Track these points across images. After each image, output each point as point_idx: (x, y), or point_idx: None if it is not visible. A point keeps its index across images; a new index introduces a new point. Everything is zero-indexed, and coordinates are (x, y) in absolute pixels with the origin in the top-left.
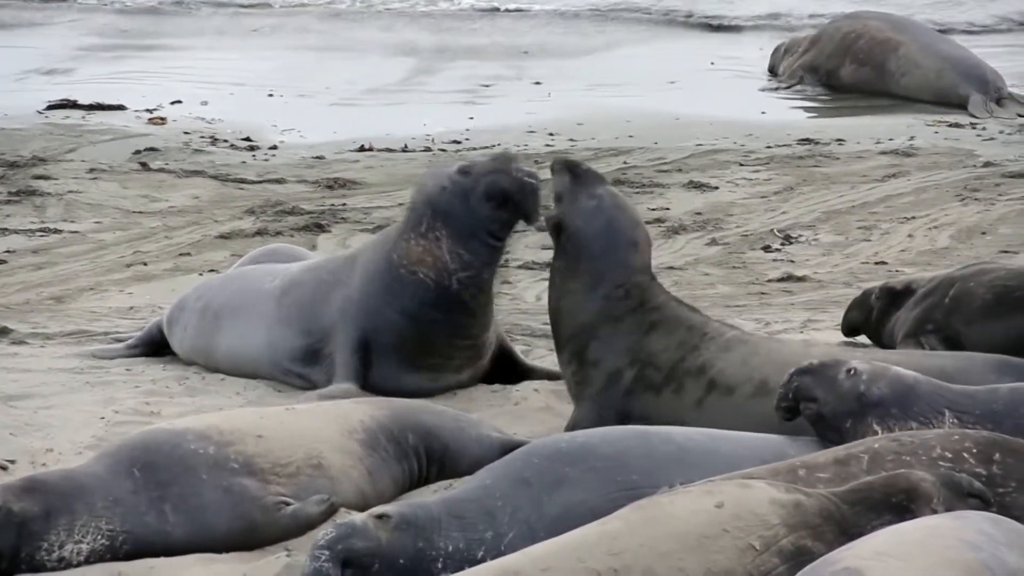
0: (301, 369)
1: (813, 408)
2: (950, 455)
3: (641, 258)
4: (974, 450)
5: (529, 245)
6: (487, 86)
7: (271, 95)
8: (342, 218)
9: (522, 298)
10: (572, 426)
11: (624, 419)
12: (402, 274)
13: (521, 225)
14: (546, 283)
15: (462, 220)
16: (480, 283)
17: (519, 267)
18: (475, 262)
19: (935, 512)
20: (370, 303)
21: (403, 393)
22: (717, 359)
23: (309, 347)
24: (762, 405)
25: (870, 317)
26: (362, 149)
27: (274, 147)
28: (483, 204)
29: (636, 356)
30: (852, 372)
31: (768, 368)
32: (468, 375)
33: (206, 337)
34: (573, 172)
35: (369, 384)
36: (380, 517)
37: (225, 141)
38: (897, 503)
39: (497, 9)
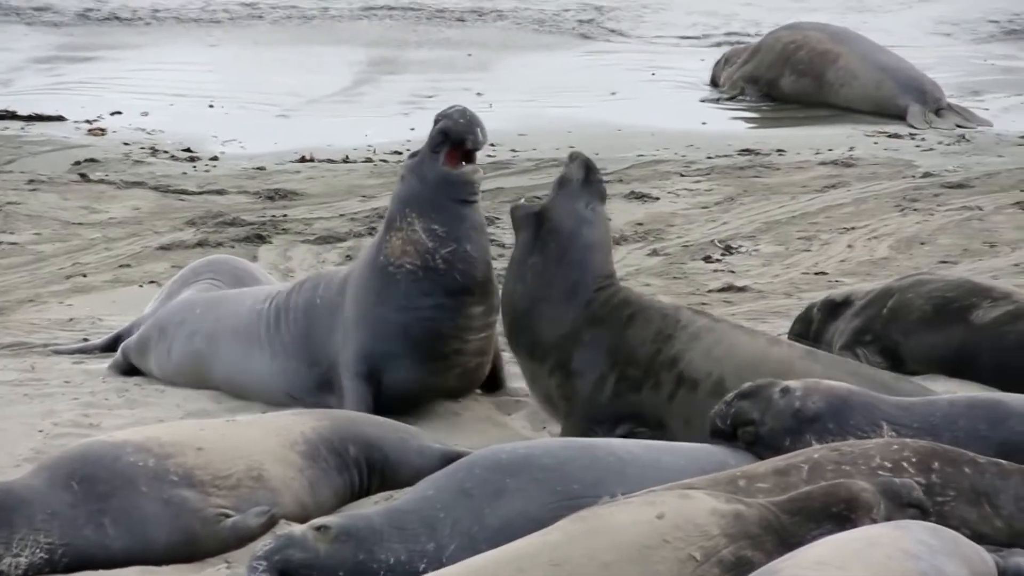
0: (315, 399)
1: (751, 431)
2: (889, 464)
3: (612, 268)
4: (913, 459)
5: None
6: (429, 97)
7: (212, 106)
8: (283, 229)
9: None
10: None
11: (617, 424)
12: (391, 272)
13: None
14: None
15: (423, 194)
16: (467, 258)
17: None
18: (452, 233)
19: (875, 522)
20: (369, 316)
21: (423, 392)
22: (687, 349)
23: (320, 376)
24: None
25: (810, 329)
26: (303, 160)
27: (215, 158)
28: (433, 161)
29: (616, 357)
30: (786, 390)
31: (727, 366)
32: (479, 371)
33: (197, 363)
34: (588, 175)
35: (381, 405)
36: (319, 528)
37: (165, 152)
38: (837, 513)
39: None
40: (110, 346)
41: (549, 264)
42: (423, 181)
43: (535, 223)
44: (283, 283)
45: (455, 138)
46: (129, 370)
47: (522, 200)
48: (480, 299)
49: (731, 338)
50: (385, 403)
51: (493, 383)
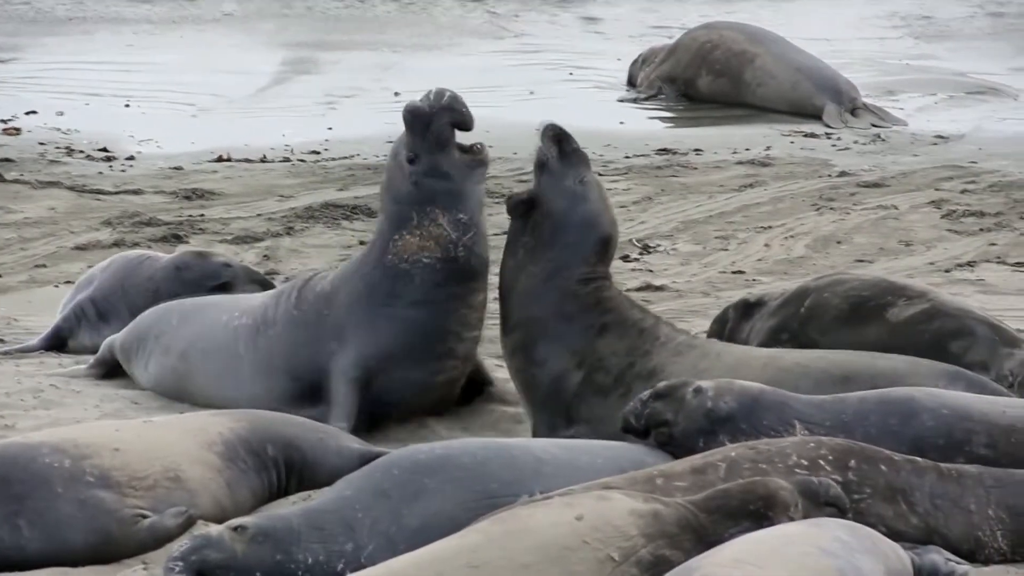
0: (305, 412)
1: (665, 432)
2: (806, 462)
3: (608, 258)
4: (830, 457)
5: None
6: (347, 96)
7: (128, 105)
8: (200, 229)
9: None
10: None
11: (571, 423)
12: (404, 269)
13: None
14: None
15: (450, 189)
16: (481, 240)
17: None
18: (474, 218)
19: (792, 519)
20: (376, 318)
21: (413, 397)
22: (668, 364)
23: (303, 389)
24: None
25: (725, 329)
26: (220, 160)
27: (131, 158)
28: (449, 155)
29: (584, 358)
30: (698, 390)
31: (716, 373)
32: (459, 382)
33: (174, 379)
34: (562, 147)
35: (369, 409)
36: (237, 529)
37: (81, 152)
38: (755, 511)
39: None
40: (52, 344)
41: (540, 243)
42: (446, 178)
43: (526, 209)
44: (257, 295)
45: (465, 126)
46: (114, 368)
47: (514, 191)
48: (483, 284)
49: (715, 349)
50: (376, 413)
51: (480, 383)
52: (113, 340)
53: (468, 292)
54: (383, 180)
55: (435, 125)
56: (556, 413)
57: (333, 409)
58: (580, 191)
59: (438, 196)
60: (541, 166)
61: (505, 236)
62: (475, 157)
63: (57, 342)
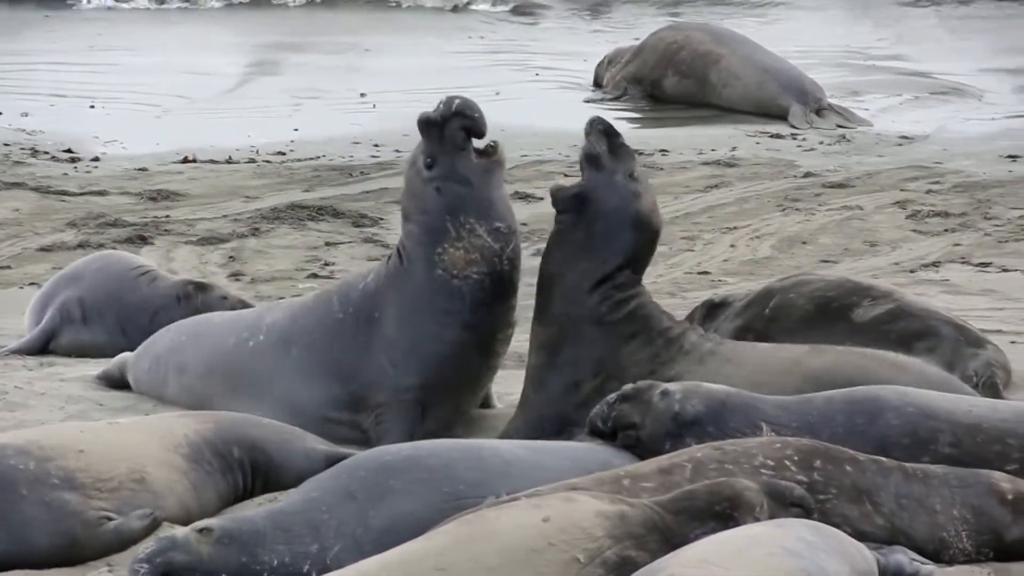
0: (348, 416)
1: (632, 435)
2: (772, 463)
3: (648, 262)
4: (795, 458)
5: (355, 256)
6: (312, 98)
7: (93, 107)
8: (166, 230)
9: None
10: (507, 434)
11: (566, 426)
12: (456, 286)
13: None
14: None
15: (473, 194)
16: (519, 252)
17: None
18: (511, 225)
19: (758, 520)
20: (433, 341)
21: (454, 414)
22: (688, 372)
23: (354, 393)
24: None
25: None
26: (186, 160)
27: (96, 159)
28: (466, 159)
29: (602, 368)
30: (665, 393)
31: (736, 378)
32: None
33: (197, 400)
34: (612, 141)
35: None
36: (202, 531)
37: (46, 153)
38: (720, 511)
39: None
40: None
41: (593, 240)
42: (466, 182)
43: (579, 204)
44: (254, 309)
45: (478, 131)
46: (122, 383)
47: (560, 181)
48: (516, 299)
49: (738, 356)
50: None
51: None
52: (124, 359)
53: (508, 310)
54: (403, 191)
55: (448, 131)
56: (550, 418)
57: (394, 427)
58: (633, 188)
59: (466, 203)
60: (592, 160)
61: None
62: (491, 158)
63: (46, 343)
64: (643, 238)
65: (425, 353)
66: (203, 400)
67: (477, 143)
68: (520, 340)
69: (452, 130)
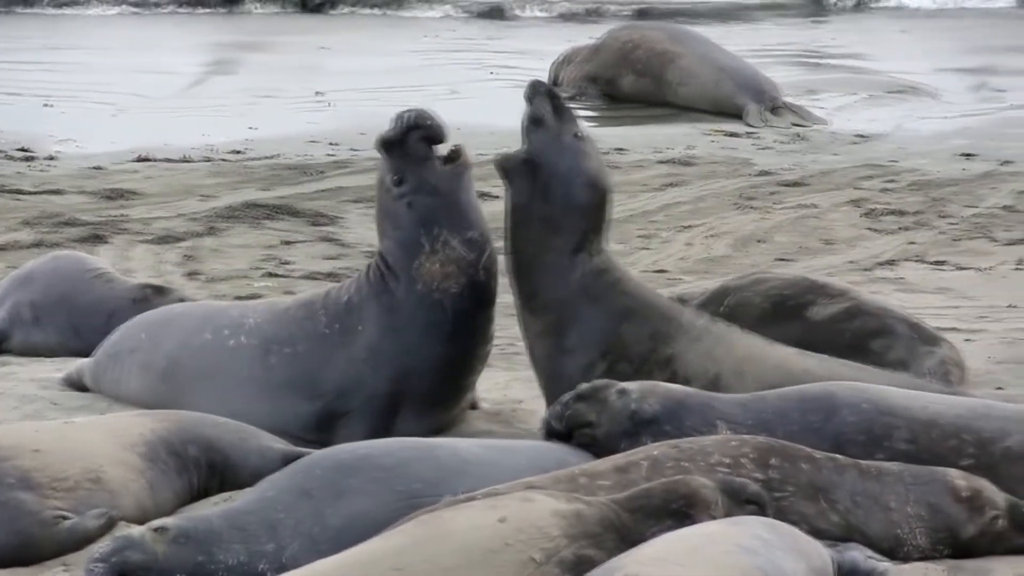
0: (315, 436)
1: (588, 433)
2: (728, 461)
3: (609, 225)
4: (752, 455)
5: (312, 255)
6: (268, 96)
7: (48, 105)
8: (122, 229)
9: None
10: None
11: None
12: (436, 299)
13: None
14: None
15: (443, 204)
16: (494, 255)
17: (302, 277)
18: (484, 233)
19: (714, 518)
20: (411, 355)
21: (433, 424)
22: (686, 350)
23: (322, 410)
24: None
25: None
26: (141, 159)
27: (51, 157)
28: (431, 169)
29: (609, 347)
30: (622, 392)
31: (724, 364)
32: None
33: (159, 398)
34: (555, 103)
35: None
36: (158, 530)
37: (1, 152)
38: (676, 509)
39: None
40: None
41: (555, 209)
42: (436, 192)
43: (528, 169)
44: (232, 305)
45: (437, 138)
46: (82, 388)
47: (501, 151)
48: (493, 305)
49: (727, 338)
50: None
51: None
52: (83, 365)
53: (488, 322)
54: (376, 211)
55: (409, 144)
56: None
57: (355, 436)
58: (581, 147)
59: (438, 215)
60: (537, 122)
61: None
62: (457, 163)
63: None
64: (597, 197)
65: (407, 364)
66: (165, 391)
67: (440, 149)
68: (501, 337)
69: (412, 143)
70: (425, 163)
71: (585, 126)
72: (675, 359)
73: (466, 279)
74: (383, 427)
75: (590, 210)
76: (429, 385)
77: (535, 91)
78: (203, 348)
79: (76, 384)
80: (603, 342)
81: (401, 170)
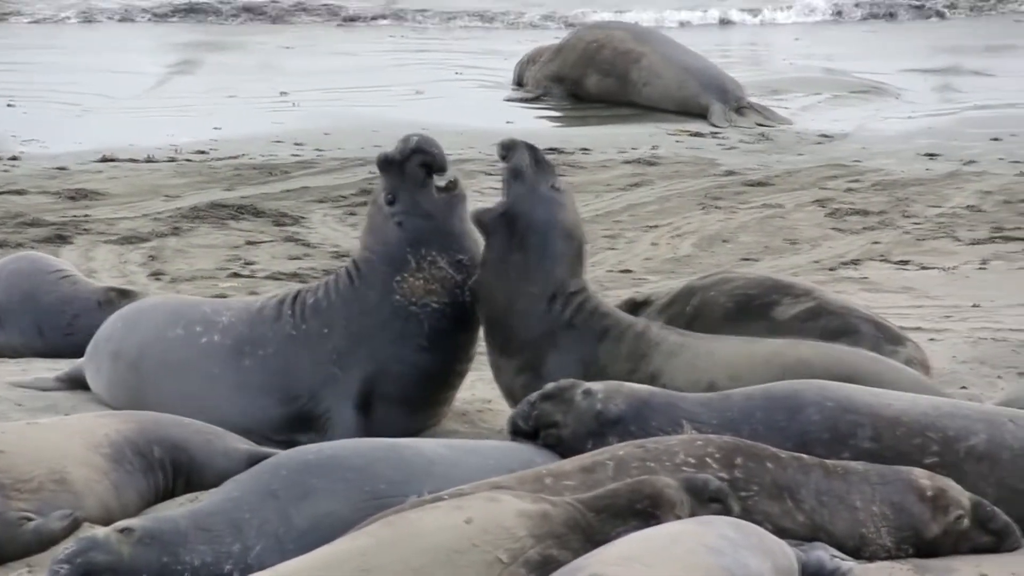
0: (286, 437)
1: (554, 433)
2: (694, 460)
3: (585, 266)
4: (717, 455)
5: (276, 256)
6: (232, 96)
7: (11, 105)
8: (85, 229)
9: None
10: None
11: None
12: (413, 312)
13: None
14: None
15: (437, 229)
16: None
17: (266, 277)
18: (475, 259)
19: (679, 517)
20: (383, 355)
21: (408, 432)
22: (666, 366)
23: (295, 413)
24: None
25: None
26: (105, 160)
27: (14, 158)
28: (427, 194)
29: (589, 368)
30: (588, 392)
31: (714, 371)
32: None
33: (129, 392)
34: (535, 155)
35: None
36: (123, 531)
37: None
38: (642, 509)
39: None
40: None
41: (531, 258)
42: (428, 216)
43: (505, 223)
44: (204, 301)
45: (439, 167)
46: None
47: (478, 205)
48: (478, 333)
49: (707, 347)
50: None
51: None
52: (79, 363)
53: (469, 342)
54: (364, 227)
55: (408, 168)
56: None
57: (334, 435)
58: (557, 197)
59: (428, 236)
60: (515, 175)
61: None
62: (452, 193)
63: None
64: (574, 248)
65: (378, 368)
66: (133, 387)
67: (438, 180)
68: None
69: (412, 167)
70: (420, 188)
71: (562, 180)
72: (660, 374)
73: (449, 299)
74: (358, 428)
75: (564, 260)
76: (402, 391)
77: (513, 148)
78: (175, 341)
79: (75, 381)
80: (582, 365)
81: (395, 190)
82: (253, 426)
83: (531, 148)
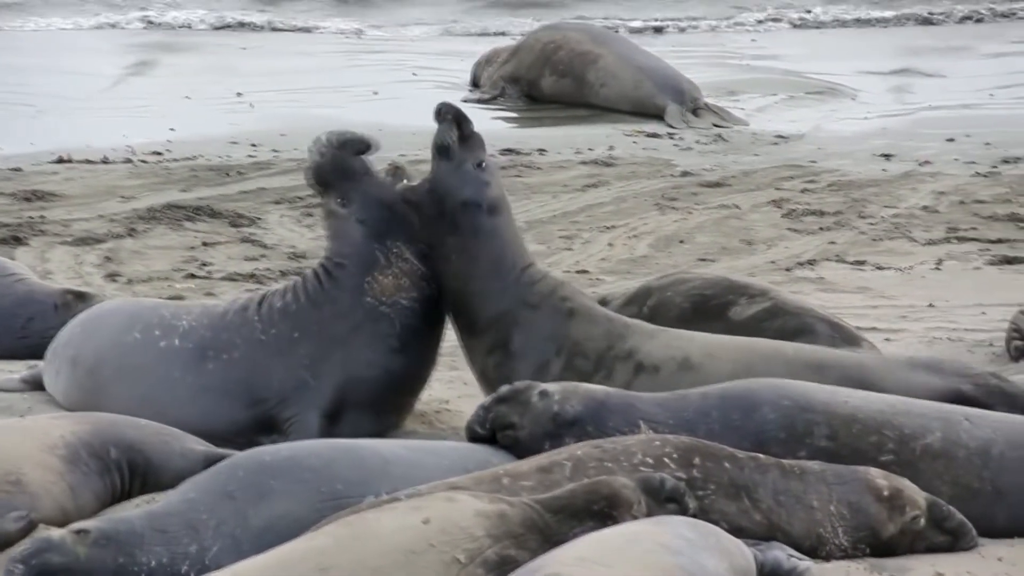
0: (247, 439)
1: (511, 435)
2: (651, 460)
3: (519, 234)
4: (674, 455)
5: (233, 257)
6: (190, 97)
7: None
8: (41, 231)
9: None
10: None
11: None
12: (384, 312)
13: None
14: None
15: (394, 216)
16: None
17: (223, 278)
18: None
19: (636, 517)
20: (355, 364)
21: (378, 431)
22: (643, 344)
23: (260, 416)
24: (685, 379)
25: None
26: (61, 161)
27: None
28: (383, 187)
29: (562, 345)
30: (544, 393)
31: (690, 347)
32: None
33: (87, 397)
34: (462, 130)
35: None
36: (79, 532)
37: None
38: (599, 510)
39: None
40: None
41: (467, 240)
42: (387, 207)
43: (432, 200)
44: (161, 304)
45: (363, 146)
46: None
47: (404, 181)
48: (443, 324)
49: (684, 333)
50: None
51: None
52: (40, 366)
53: (436, 341)
54: (328, 237)
55: (343, 166)
56: None
57: (298, 439)
58: (483, 176)
59: (391, 227)
60: (440, 151)
61: None
62: (398, 174)
63: None
64: (501, 221)
65: (350, 373)
66: (91, 392)
67: (376, 164)
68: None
69: (345, 163)
70: (366, 177)
71: (489, 156)
72: (636, 351)
73: (418, 293)
74: (327, 432)
75: (499, 234)
76: (372, 395)
77: (442, 116)
78: (132, 345)
79: (35, 383)
80: (553, 341)
81: (344, 191)
82: (215, 429)
83: (460, 122)
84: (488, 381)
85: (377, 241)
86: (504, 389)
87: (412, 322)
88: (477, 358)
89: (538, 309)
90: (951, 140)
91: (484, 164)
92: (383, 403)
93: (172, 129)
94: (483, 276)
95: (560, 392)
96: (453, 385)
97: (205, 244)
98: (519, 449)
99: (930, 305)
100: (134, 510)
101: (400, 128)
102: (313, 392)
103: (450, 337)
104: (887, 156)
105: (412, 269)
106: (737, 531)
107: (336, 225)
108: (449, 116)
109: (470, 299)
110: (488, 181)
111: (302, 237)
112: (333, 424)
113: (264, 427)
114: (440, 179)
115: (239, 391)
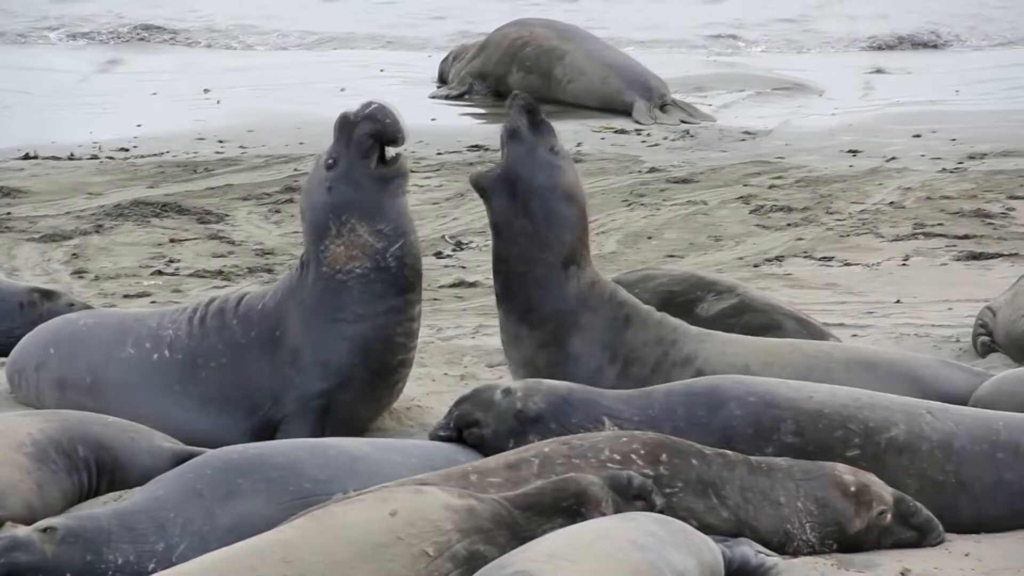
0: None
1: (476, 433)
2: (619, 457)
3: (588, 235)
4: (642, 452)
5: (200, 253)
6: (154, 94)
7: None
8: (7, 228)
9: None
10: None
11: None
12: (341, 280)
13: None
14: None
15: (362, 200)
16: (413, 251)
17: (190, 275)
18: (399, 228)
19: (604, 514)
20: (326, 334)
21: (368, 412)
22: (699, 350)
23: (260, 423)
24: None
25: None
26: (27, 157)
27: None
28: (365, 166)
29: (616, 351)
30: (507, 391)
31: (746, 355)
32: (402, 388)
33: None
34: (532, 117)
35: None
36: (46, 530)
37: None
38: (568, 507)
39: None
40: None
41: (539, 224)
42: (359, 187)
43: (505, 185)
44: (135, 314)
45: (387, 139)
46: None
47: (477, 168)
48: (419, 295)
49: (736, 338)
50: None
51: None
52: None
53: (407, 304)
54: (303, 187)
55: (356, 133)
56: None
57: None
58: (555, 160)
59: (353, 205)
60: (512, 136)
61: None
62: (392, 168)
63: None
64: (576, 210)
65: (328, 355)
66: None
67: (390, 151)
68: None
69: (360, 133)
70: (362, 158)
71: (560, 143)
72: (694, 358)
73: (372, 264)
74: (319, 428)
75: (571, 223)
76: (352, 372)
77: (513, 104)
78: (127, 361)
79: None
80: (609, 347)
81: (339, 154)
82: (225, 439)
83: (530, 110)
84: (535, 370)
85: (332, 212)
86: (465, 393)
87: (372, 289)
88: (526, 348)
89: (597, 313)
90: (918, 136)
91: (556, 149)
92: (367, 384)
93: (139, 125)
94: (550, 264)
95: (523, 389)
96: (421, 382)
97: (172, 241)
98: (485, 447)
99: (897, 301)
100: (102, 508)
101: None
102: (298, 388)
103: (421, 335)
104: (854, 152)
105: (365, 243)
106: (705, 528)
107: (312, 179)
108: (520, 103)
109: (532, 286)
110: (562, 166)
111: (270, 234)
112: (325, 417)
113: (268, 431)
114: (513, 163)
115: (236, 399)
